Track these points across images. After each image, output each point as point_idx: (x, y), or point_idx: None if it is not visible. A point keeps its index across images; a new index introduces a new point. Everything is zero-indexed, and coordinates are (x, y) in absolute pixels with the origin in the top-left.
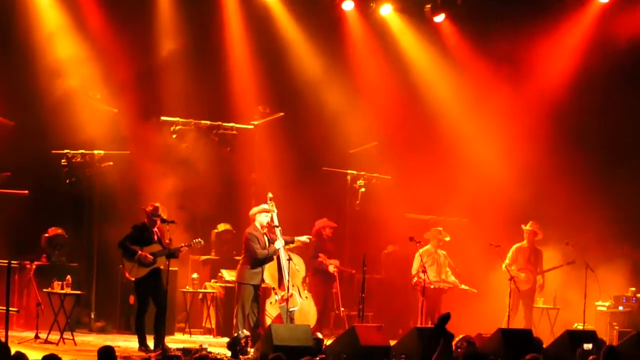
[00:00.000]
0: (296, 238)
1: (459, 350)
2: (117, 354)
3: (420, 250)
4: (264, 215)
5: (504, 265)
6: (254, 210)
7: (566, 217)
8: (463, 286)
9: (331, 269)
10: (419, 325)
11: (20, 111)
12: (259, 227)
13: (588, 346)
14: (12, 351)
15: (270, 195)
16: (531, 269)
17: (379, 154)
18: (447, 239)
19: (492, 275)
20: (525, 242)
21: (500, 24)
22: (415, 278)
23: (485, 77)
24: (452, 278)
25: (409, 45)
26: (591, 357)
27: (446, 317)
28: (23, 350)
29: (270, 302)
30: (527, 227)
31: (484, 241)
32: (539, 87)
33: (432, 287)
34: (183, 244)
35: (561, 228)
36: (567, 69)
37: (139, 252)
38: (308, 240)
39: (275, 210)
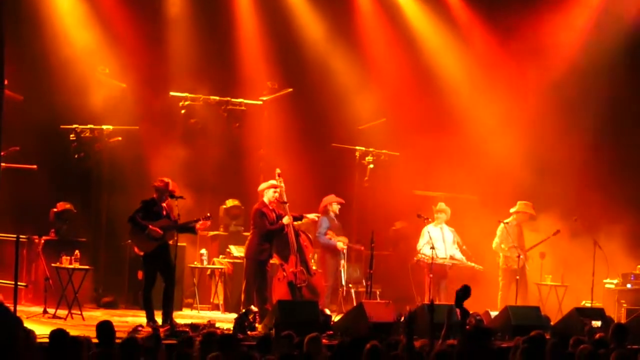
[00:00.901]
0: (305, 215)
1: (466, 326)
2: (125, 329)
3: (428, 226)
4: (272, 191)
5: (494, 244)
6: (262, 185)
7: (574, 193)
8: (469, 263)
9: (340, 245)
10: (425, 302)
11: (29, 86)
12: (267, 203)
13: (596, 323)
14: None
15: (278, 170)
16: (521, 245)
17: (388, 130)
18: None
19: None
20: (512, 219)
21: None
22: (419, 255)
23: (494, 52)
24: (459, 255)
25: (418, 21)
26: (599, 334)
27: (466, 293)
28: (31, 325)
29: (279, 278)
30: (521, 209)
31: (492, 218)
32: (547, 63)
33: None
34: (193, 219)
35: (569, 205)
36: (576, 44)
37: (150, 226)
38: (317, 219)
39: (284, 186)
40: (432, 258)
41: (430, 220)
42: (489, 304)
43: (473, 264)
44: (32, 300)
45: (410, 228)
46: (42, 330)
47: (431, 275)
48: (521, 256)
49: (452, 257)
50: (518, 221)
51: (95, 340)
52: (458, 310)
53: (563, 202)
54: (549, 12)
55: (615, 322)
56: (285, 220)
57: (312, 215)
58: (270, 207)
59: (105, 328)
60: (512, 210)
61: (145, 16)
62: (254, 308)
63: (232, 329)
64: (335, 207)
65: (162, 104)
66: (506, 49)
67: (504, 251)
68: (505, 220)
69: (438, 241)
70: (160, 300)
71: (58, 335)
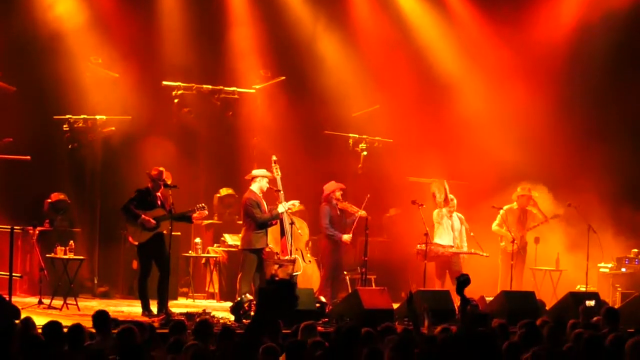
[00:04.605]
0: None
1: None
2: (120, 319)
3: (435, 214)
4: (265, 180)
5: (493, 226)
6: (254, 172)
7: (568, 178)
8: (472, 250)
9: (345, 237)
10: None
11: (21, 77)
12: (258, 191)
13: (590, 303)
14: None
15: (274, 158)
16: (520, 228)
17: (381, 117)
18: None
19: (495, 238)
20: (515, 204)
21: None
22: (419, 245)
23: (488, 38)
24: (465, 245)
25: (411, 8)
26: (596, 318)
27: (465, 281)
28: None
29: (274, 268)
30: (519, 192)
31: (486, 204)
32: (540, 49)
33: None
34: (189, 209)
35: (563, 189)
36: (569, 30)
37: (142, 216)
38: (294, 207)
39: (280, 174)
40: (426, 245)
41: (424, 206)
42: (489, 289)
43: (479, 252)
44: (27, 291)
45: (405, 215)
46: (38, 320)
47: (425, 262)
48: (515, 241)
49: (457, 247)
50: (520, 205)
51: (92, 330)
52: (459, 297)
53: (556, 187)
54: (542, 1)
55: (608, 305)
56: (280, 208)
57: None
58: (260, 195)
59: (101, 317)
60: (513, 195)
61: (138, 5)
62: (249, 296)
63: (230, 318)
64: (338, 194)
65: (155, 94)
66: (499, 37)
67: (500, 233)
68: (507, 206)
69: (447, 230)
70: (156, 289)
71: (52, 327)
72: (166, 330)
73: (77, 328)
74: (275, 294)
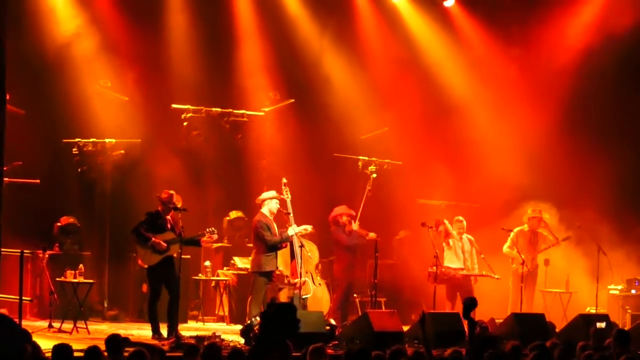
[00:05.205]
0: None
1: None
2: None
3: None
4: (274, 202)
5: (504, 248)
6: (262, 196)
7: (578, 199)
8: (483, 272)
9: (371, 234)
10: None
11: (30, 100)
12: (268, 214)
13: (601, 325)
14: None
15: (284, 180)
16: (531, 250)
17: (391, 139)
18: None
19: (505, 260)
20: (526, 226)
21: (511, 4)
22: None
23: (496, 59)
24: (476, 266)
25: (419, 30)
26: (609, 340)
27: (472, 304)
28: (37, 340)
29: (282, 289)
30: (530, 214)
31: (495, 226)
32: (548, 69)
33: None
34: (199, 233)
35: (573, 211)
36: (576, 51)
37: (153, 238)
38: (306, 232)
39: (290, 197)
40: (437, 267)
41: (434, 228)
42: (499, 311)
43: (490, 274)
44: (37, 315)
45: (414, 237)
46: (48, 344)
47: (436, 284)
48: (525, 263)
49: (468, 269)
50: (531, 227)
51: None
52: (465, 322)
53: (566, 209)
54: (549, 18)
55: (618, 327)
56: (290, 231)
57: (302, 228)
58: (271, 218)
59: (114, 341)
60: (524, 217)
61: (147, 29)
62: (259, 319)
63: (240, 341)
64: (345, 219)
65: (164, 117)
66: (508, 54)
67: (511, 255)
68: (517, 228)
69: (457, 252)
70: (165, 312)
71: (61, 349)
72: (179, 354)
73: (94, 350)
74: (276, 317)
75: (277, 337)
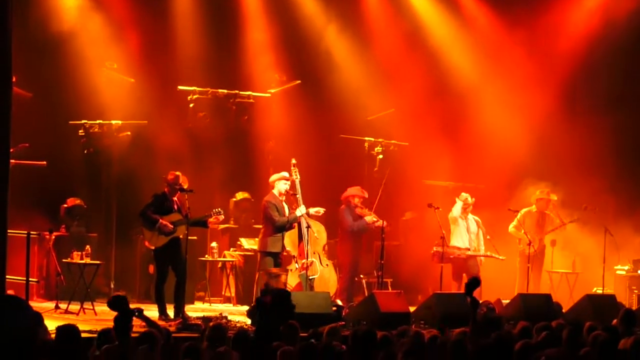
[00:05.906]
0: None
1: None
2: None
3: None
4: (282, 182)
5: (510, 227)
6: (273, 177)
7: (584, 180)
8: (488, 253)
9: (368, 218)
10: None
11: (37, 82)
12: (277, 195)
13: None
14: None
15: (293, 161)
16: (538, 231)
17: (397, 120)
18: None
19: (512, 241)
20: (534, 207)
21: None
22: (435, 248)
23: (502, 41)
24: (482, 248)
25: (425, 11)
26: (615, 321)
27: (474, 283)
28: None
29: (291, 270)
30: (538, 195)
31: (502, 207)
32: (554, 51)
33: (451, 256)
34: (206, 214)
35: (579, 192)
36: (582, 33)
37: (160, 220)
38: (319, 213)
39: (299, 177)
40: (443, 247)
41: (440, 209)
42: (506, 291)
43: (495, 255)
44: (44, 296)
45: (421, 218)
46: (55, 325)
47: (442, 264)
48: (532, 244)
49: (474, 250)
50: (539, 208)
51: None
52: (468, 299)
53: (572, 190)
54: (556, 4)
55: (626, 308)
56: (298, 212)
57: (315, 210)
58: (281, 199)
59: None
60: (532, 198)
61: (153, 10)
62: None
63: (246, 322)
64: (357, 201)
65: (170, 98)
66: (514, 38)
67: (517, 235)
68: (525, 209)
69: (463, 232)
70: (172, 294)
71: (65, 330)
72: (184, 334)
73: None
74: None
75: (274, 323)
